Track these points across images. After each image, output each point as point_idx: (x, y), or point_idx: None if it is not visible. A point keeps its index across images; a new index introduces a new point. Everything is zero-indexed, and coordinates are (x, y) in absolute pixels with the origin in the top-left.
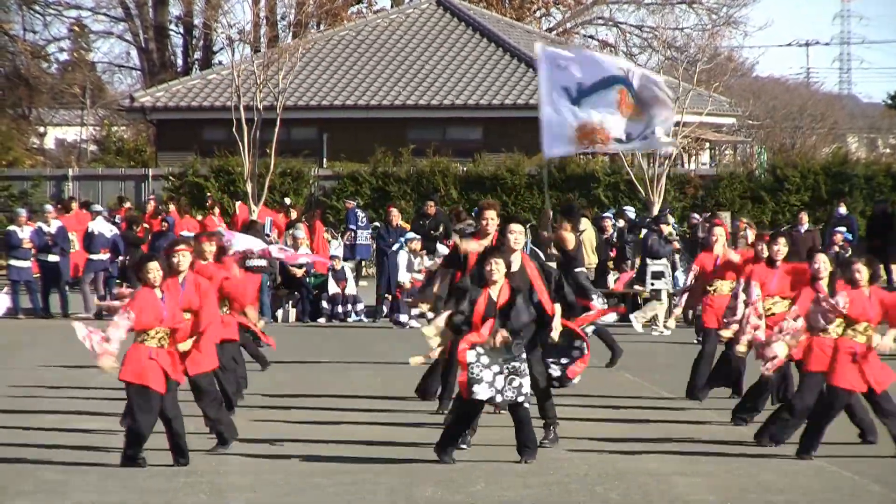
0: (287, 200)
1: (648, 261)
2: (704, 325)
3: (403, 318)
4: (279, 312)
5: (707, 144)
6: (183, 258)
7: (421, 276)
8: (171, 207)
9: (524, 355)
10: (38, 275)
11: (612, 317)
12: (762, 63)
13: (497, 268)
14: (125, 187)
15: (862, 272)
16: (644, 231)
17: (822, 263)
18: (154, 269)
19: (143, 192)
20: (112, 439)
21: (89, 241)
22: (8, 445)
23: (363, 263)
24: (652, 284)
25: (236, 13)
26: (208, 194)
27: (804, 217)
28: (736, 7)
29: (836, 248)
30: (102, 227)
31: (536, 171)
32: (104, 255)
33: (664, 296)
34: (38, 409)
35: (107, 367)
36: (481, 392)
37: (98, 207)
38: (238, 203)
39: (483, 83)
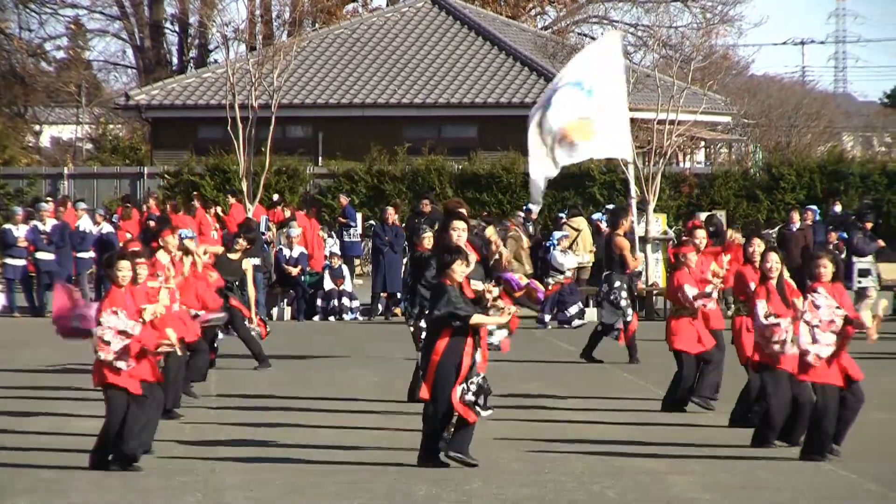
0: (275, 197)
1: (854, 259)
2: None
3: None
4: (274, 311)
5: (702, 143)
6: (141, 270)
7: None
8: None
9: None
10: (34, 273)
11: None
12: (757, 61)
13: (466, 261)
14: (120, 185)
15: (826, 267)
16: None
17: (774, 263)
18: (125, 269)
19: (139, 191)
20: None
21: (81, 239)
22: (7, 446)
23: (357, 262)
24: (859, 283)
25: (231, 11)
26: (195, 193)
27: (795, 216)
28: (731, 5)
29: (831, 248)
30: (90, 225)
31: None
32: (91, 254)
33: (873, 293)
34: (37, 409)
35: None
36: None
37: (83, 205)
38: (233, 202)
39: (478, 82)
